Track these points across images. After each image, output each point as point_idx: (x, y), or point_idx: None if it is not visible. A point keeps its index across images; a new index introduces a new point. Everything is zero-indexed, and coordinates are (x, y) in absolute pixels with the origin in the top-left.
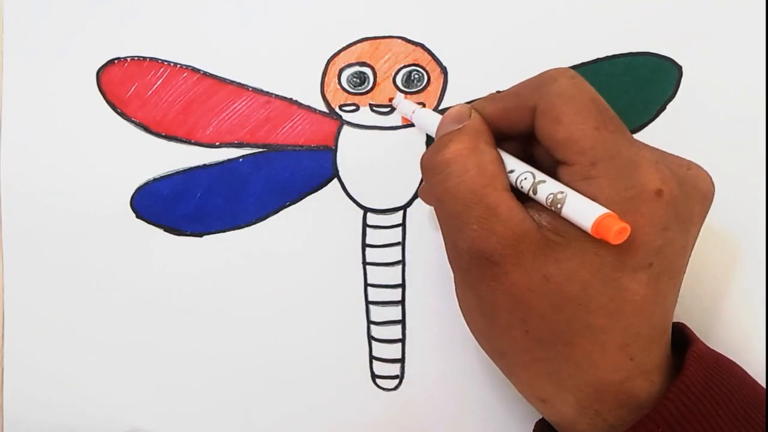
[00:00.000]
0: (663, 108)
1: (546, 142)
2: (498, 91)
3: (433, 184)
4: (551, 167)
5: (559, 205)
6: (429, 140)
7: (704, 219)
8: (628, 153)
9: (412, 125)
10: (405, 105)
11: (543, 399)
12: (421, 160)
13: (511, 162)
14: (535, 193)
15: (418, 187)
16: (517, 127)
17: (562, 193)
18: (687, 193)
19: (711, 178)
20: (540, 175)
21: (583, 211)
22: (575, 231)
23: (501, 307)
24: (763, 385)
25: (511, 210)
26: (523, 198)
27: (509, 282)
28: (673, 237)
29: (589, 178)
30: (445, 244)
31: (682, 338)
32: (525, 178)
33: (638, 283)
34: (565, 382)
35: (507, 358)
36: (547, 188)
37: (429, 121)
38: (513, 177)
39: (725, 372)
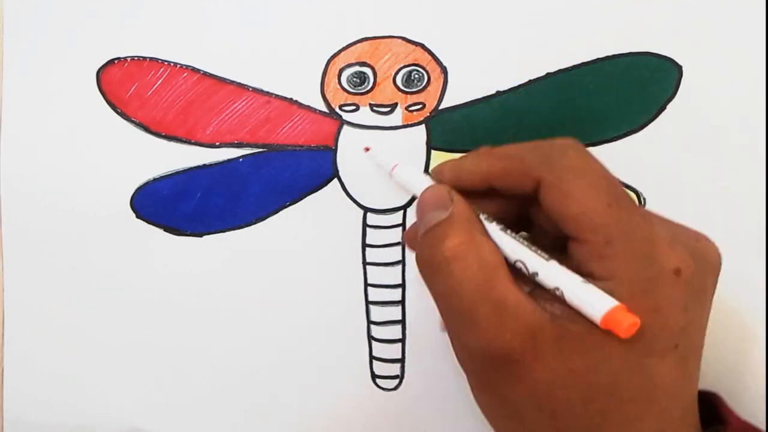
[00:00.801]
0: (663, 108)
1: (555, 216)
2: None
3: (435, 283)
4: (554, 232)
5: (561, 297)
6: (429, 142)
7: (715, 290)
8: (642, 231)
9: (413, 125)
10: (382, 164)
11: None
12: (417, 256)
13: (505, 245)
14: (534, 281)
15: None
16: (513, 190)
17: (558, 289)
18: (701, 268)
19: (718, 249)
20: (533, 264)
21: (589, 302)
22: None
23: (527, 406)
24: (755, 414)
25: (519, 304)
26: (531, 280)
27: (532, 379)
28: (693, 315)
29: (605, 257)
30: (453, 344)
31: (712, 408)
32: (520, 267)
33: (667, 366)
34: None
35: None
36: (543, 281)
37: (409, 181)
38: (510, 261)
39: None
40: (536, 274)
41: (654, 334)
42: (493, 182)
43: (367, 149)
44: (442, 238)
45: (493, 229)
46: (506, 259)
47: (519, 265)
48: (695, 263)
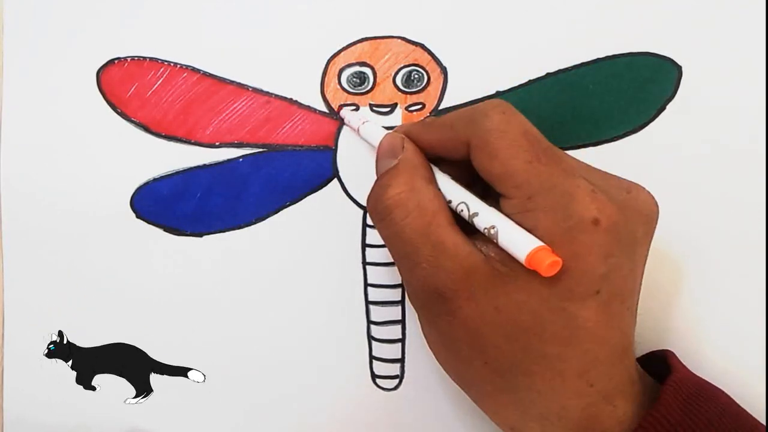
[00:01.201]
0: (663, 108)
1: (484, 175)
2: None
3: (380, 229)
4: (496, 192)
5: (495, 239)
6: None
7: (651, 239)
8: (563, 184)
9: None
10: (350, 120)
11: (512, 427)
12: (367, 203)
13: (449, 191)
14: (473, 224)
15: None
16: (454, 156)
17: (494, 227)
18: (628, 217)
19: (653, 198)
20: (474, 206)
21: (516, 243)
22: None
23: (460, 340)
24: (755, 414)
25: (457, 245)
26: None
27: (464, 316)
28: (618, 262)
29: (527, 211)
30: (403, 282)
31: (666, 365)
32: (461, 210)
33: (587, 309)
34: (529, 411)
35: (473, 389)
36: (481, 221)
37: (372, 137)
38: (452, 206)
39: (707, 400)
40: (476, 214)
41: (573, 279)
42: (435, 152)
43: (339, 109)
44: (385, 187)
45: (442, 177)
46: (450, 204)
47: (461, 207)
48: (620, 213)
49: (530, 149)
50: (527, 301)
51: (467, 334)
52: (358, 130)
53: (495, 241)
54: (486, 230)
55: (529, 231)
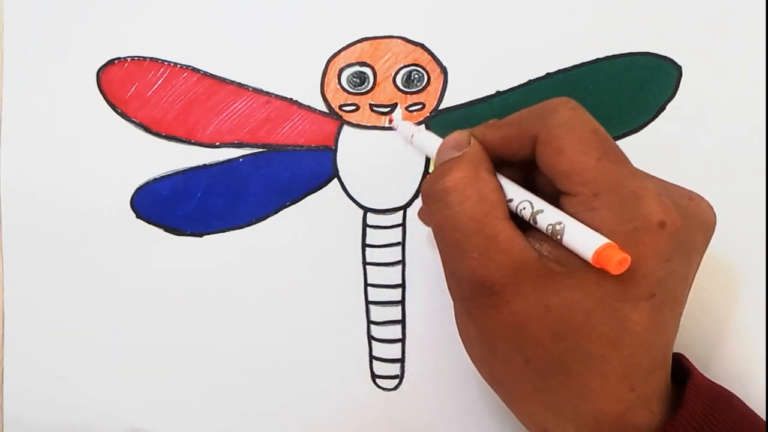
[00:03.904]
0: (662, 108)
1: (548, 172)
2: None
3: (433, 212)
4: (553, 194)
5: (558, 236)
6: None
7: (706, 248)
8: (630, 184)
9: None
10: (404, 127)
11: (544, 429)
12: (422, 186)
13: (511, 190)
14: (535, 222)
15: (418, 187)
16: (517, 155)
17: (560, 223)
18: (689, 224)
19: (712, 208)
20: (539, 204)
21: (583, 240)
22: (578, 261)
23: (501, 336)
24: (761, 416)
25: (511, 239)
26: (525, 225)
27: (509, 311)
28: (675, 268)
29: (592, 209)
30: (445, 271)
31: (680, 369)
32: (524, 207)
33: (640, 313)
34: (566, 412)
35: (507, 387)
36: (546, 218)
37: (428, 144)
38: (513, 205)
39: (724, 405)
40: (540, 211)
41: (632, 280)
42: (498, 151)
43: (390, 120)
44: (448, 170)
45: (502, 178)
46: (510, 203)
47: (524, 205)
48: (682, 219)
49: (600, 146)
50: (581, 301)
51: (510, 331)
52: (411, 137)
53: (558, 238)
54: (550, 227)
55: (593, 230)
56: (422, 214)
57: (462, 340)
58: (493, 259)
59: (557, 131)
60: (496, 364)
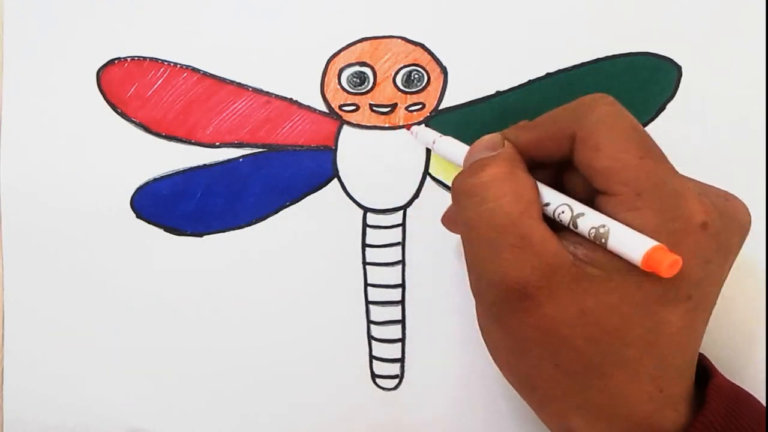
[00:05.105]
0: (662, 108)
1: (586, 170)
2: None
3: (466, 208)
4: (585, 196)
5: (603, 240)
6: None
7: (740, 250)
8: (672, 184)
9: (413, 125)
10: (425, 134)
11: (569, 430)
12: (453, 182)
13: (547, 194)
14: (575, 226)
15: (418, 187)
16: (552, 155)
17: (604, 226)
18: (727, 225)
19: (748, 209)
20: (579, 207)
21: (631, 243)
22: (616, 264)
23: (531, 340)
24: None
25: (545, 241)
26: (555, 227)
27: (542, 315)
28: (713, 270)
29: (635, 209)
30: (470, 274)
31: (700, 368)
32: (563, 211)
33: (676, 315)
34: (596, 414)
35: (537, 391)
36: (588, 221)
37: (453, 149)
38: (550, 209)
39: (745, 406)
40: (582, 214)
41: (672, 282)
42: (532, 153)
43: (409, 128)
44: (483, 166)
45: (538, 181)
46: (546, 208)
47: (562, 209)
48: (722, 220)
49: (641, 144)
50: (618, 304)
51: (541, 334)
52: (434, 142)
53: (603, 241)
54: (593, 230)
55: (637, 230)
56: (447, 219)
57: (486, 344)
58: (527, 261)
59: (595, 128)
60: (525, 368)
